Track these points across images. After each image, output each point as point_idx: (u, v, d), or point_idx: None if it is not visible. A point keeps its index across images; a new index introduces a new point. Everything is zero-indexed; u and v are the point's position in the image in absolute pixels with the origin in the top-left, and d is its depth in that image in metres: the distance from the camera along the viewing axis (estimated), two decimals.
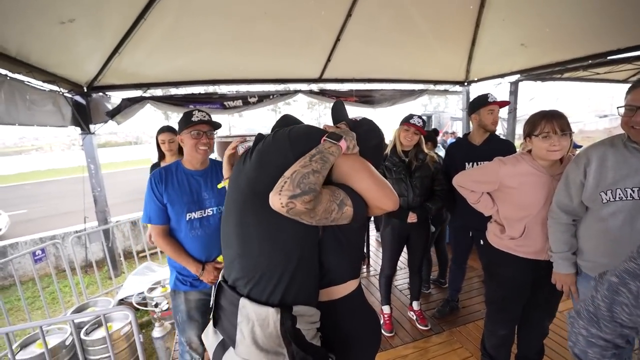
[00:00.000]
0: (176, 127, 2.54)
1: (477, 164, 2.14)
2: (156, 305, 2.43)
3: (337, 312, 0.99)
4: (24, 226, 7.84)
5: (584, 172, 1.27)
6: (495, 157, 1.61)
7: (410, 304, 2.55)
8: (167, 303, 2.62)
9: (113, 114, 3.65)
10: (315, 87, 4.60)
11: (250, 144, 1.03)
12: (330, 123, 1.10)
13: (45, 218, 8.60)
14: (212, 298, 1.00)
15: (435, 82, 5.10)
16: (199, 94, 4.07)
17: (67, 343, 2.28)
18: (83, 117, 3.59)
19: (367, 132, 1.04)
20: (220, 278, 1.01)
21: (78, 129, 3.68)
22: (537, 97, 6.02)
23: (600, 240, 1.25)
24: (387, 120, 4.65)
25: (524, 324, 1.76)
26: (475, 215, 1.86)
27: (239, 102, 4.27)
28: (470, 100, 2.45)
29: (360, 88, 4.76)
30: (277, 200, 0.76)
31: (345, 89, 4.69)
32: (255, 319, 0.84)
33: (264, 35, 3.38)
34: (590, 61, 3.55)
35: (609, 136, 1.30)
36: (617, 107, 1.21)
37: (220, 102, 4.13)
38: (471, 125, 2.24)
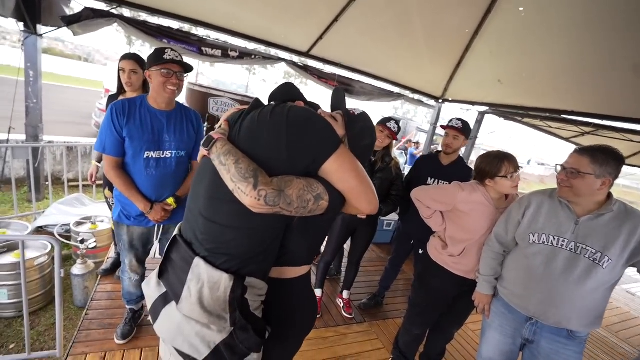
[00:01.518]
0: (143, 57, 2.29)
1: (439, 182, 2.29)
2: (82, 242, 2.26)
3: (283, 290, 1.02)
4: None
5: (523, 212, 1.44)
6: (454, 180, 1.74)
7: (341, 292, 2.69)
8: (95, 242, 2.45)
9: (70, 21, 3.15)
10: (300, 60, 4.47)
11: (233, 104, 0.97)
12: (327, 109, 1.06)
13: None
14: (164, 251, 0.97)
15: (414, 91, 5.26)
16: (177, 30, 3.70)
17: None
18: (30, 13, 3.08)
19: (363, 130, 1.02)
20: (176, 231, 0.97)
21: (21, 25, 3.15)
22: (497, 131, 6.51)
23: (520, 273, 1.43)
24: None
25: (436, 328, 1.97)
26: (421, 226, 2.00)
27: (218, 52, 3.98)
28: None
29: (342, 74, 4.73)
30: (248, 199, 0.77)
31: (328, 70, 4.62)
32: (206, 281, 0.83)
33: None
34: (547, 114, 3.94)
35: (550, 188, 1.48)
36: (555, 164, 1.39)
37: (198, 45, 3.80)
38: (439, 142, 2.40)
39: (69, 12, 3.25)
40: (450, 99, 5.21)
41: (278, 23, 3.77)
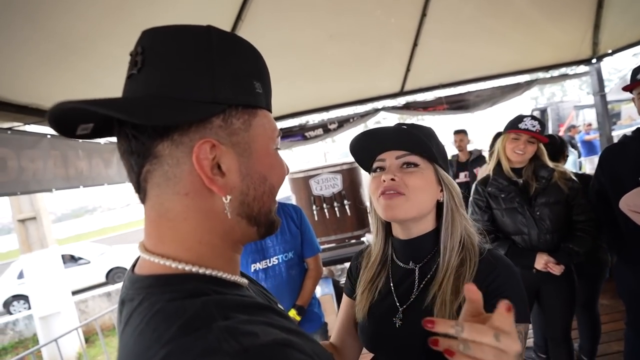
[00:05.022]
0: None
1: None
2: None
3: None
4: None
5: None
6: None
7: None
8: None
9: None
10: (399, 101, 4.21)
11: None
12: None
13: None
14: None
15: (548, 68, 4.09)
16: (280, 129, 4.10)
17: None
18: None
19: (439, 146, 0.74)
20: None
21: None
22: None
23: None
24: (487, 124, 3.93)
25: None
26: None
27: (320, 131, 4.18)
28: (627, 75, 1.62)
29: (450, 94, 4.15)
30: None
31: (432, 97, 4.15)
32: None
33: (334, 58, 3.23)
34: None
35: None
36: None
37: (301, 133, 4.09)
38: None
39: None
40: (610, 51, 3.75)
41: (360, 78, 3.73)
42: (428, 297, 0.66)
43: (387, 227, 0.77)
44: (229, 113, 0.39)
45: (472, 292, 0.43)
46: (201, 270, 0.39)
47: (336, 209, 2.72)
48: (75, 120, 0.36)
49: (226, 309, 0.34)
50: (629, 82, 1.35)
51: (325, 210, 2.70)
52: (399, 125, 0.73)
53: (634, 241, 1.32)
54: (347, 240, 2.86)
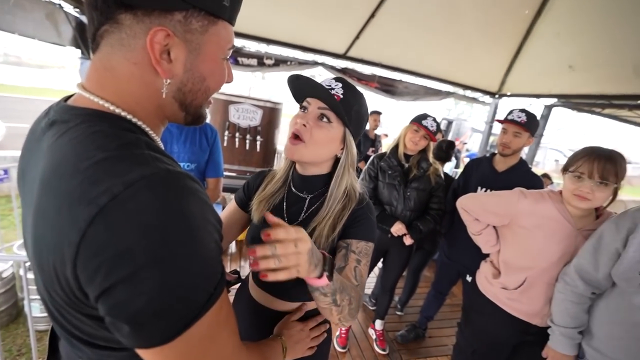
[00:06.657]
0: None
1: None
2: None
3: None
4: (20, 140, 7.71)
5: (624, 239, 1.00)
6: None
7: (373, 321, 2.35)
8: None
9: None
10: (339, 63, 4.25)
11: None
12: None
13: None
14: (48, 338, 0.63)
15: (466, 87, 4.72)
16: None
17: (5, 275, 2.13)
18: (84, 41, 3.29)
19: (359, 113, 0.83)
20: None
21: (78, 52, 3.40)
22: (564, 127, 5.58)
23: (622, 331, 1.00)
24: (408, 115, 4.38)
25: None
26: (467, 252, 1.65)
27: (254, 61, 3.95)
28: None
29: (384, 75, 4.40)
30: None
31: (368, 72, 4.33)
32: None
33: None
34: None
35: None
36: None
37: (234, 56, 3.79)
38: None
39: None
40: (509, 94, 4.55)
41: (314, 27, 3.61)
42: (311, 225, 0.82)
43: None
44: (191, 13, 0.44)
45: (270, 218, 0.60)
46: (134, 120, 0.47)
47: (247, 141, 2.72)
48: None
49: (151, 148, 0.43)
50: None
51: (237, 140, 2.67)
52: (339, 79, 0.82)
53: (456, 229, 1.86)
54: (248, 174, 2.92)
